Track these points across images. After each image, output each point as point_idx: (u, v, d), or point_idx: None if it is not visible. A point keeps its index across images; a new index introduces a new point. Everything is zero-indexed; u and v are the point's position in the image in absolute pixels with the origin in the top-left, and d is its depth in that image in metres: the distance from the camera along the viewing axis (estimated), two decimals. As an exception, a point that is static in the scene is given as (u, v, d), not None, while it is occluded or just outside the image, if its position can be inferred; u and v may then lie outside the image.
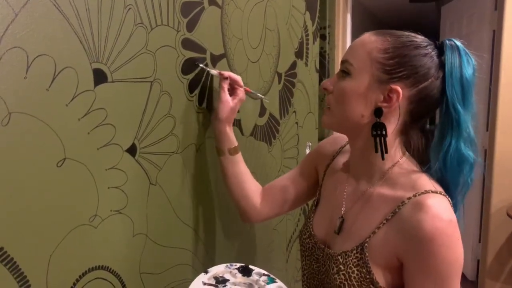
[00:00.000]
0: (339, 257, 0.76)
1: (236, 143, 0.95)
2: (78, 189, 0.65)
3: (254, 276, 0.83)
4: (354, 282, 0.74)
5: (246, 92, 0.96)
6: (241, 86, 0.94)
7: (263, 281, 0.82)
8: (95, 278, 0.69)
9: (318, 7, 1.57)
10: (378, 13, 4.59)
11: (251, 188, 0.98)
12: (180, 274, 0.90)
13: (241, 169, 0.97)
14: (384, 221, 0.73)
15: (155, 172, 0.81)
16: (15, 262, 0.56)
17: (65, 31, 0.61)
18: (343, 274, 0.75)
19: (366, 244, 0.74)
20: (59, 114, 0.61)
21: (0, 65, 0.52)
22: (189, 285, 0.92)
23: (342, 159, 0.90)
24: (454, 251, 0.68)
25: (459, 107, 0.72)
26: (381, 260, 0.73)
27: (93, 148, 0.67)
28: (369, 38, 0.76)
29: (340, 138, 0.97)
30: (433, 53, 0.74)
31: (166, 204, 0.85)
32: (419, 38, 0.75)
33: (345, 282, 0.75)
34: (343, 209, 0.82)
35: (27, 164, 0.57)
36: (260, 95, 1.04)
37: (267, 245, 1.28)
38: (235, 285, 0.79)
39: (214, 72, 0.93)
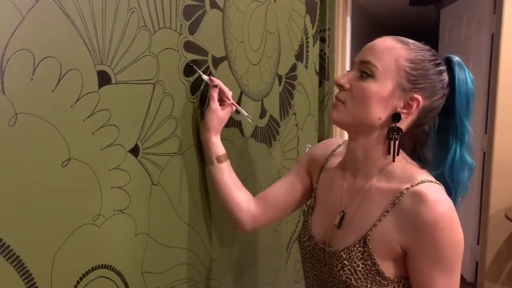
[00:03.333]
0: (342, 253, 0.78)
1: (223, 151, 0.94)
2: (82, 188, 0.66)
3: None
4: (360, 276, 0.75)
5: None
6: (228, 99, 0.94)
7: None
8: (99, 277, 0.70)
9: (318, 10, 1.58)
10: (378, 15, 4.61)
11: (243, 196, 0.96)
12: (182, 273, 0.91)
13: (231, 177, 0.95)
14: (385, 213, 0.76)
15: (157, 173, 0.82)
16: (20, 260, 0.57)
17: (71, 33, 0.62)
18: (348, 269, 0.77)
19: (368, 237, 0.76)
20: (64, 115, 0.62)
21: (7, 67, 0.53)
22: (190, 284, 0.93)
23: (335, 161, 0.93)
24: (456, 232, 0.72)
25: (464, 119, 0.79)
26: (384, 251, 0.75)
27: (97, 148, 0.68)
28: (395, 44, 0.77)
29: (330, 143, 1.00)
30: (445, 71, 0.79)
31: (167, 204, 0.86)
32: (434, 54, 0.80)
33: (351, 277, 0.76)
34: (343, 204, 0.84)
35: (33, 164, 0.58)
36: (245, 113, 1.01)
37: (267, 246, 1.29)
38: None
39: (205, 77, 0.92)
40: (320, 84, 1.72)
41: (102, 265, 0.71)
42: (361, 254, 0.76)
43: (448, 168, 0.80)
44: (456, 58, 0.81)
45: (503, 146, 2.53)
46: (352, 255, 0.77)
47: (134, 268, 0.78)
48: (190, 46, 0.89)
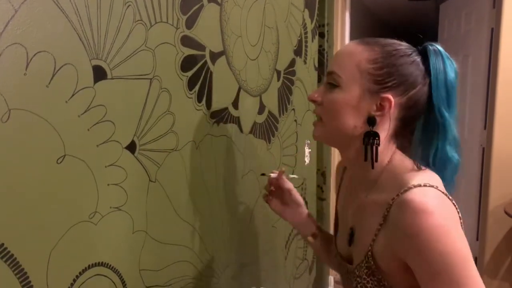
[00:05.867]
0: (356, 270, 0.77)
1: (313, 229, 1.00)
2: (78, 186, 0.65)
3: None
4: None
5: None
6: (280, 178, 0.98)
7: None
8: (95, 275, 0.69)
9: (317, 5, 1.57)
10: (377, 11, 4.59)
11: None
12: (180, 271, 0.91)
13: (326, 246, 1.00)
14: (379, 227, 0.72)
15: (154, 169, 0.81)
16: (15, 259, 0.56)
17: (65, 28, 0.61)
18: (360, 286, 0.76)
19: (370, 253, 0.73)
20: (59, 110, 0.61)
21: None
22: (188, 282, 0.93)
23: (348, 175, 0.91)
24: (446, 242, 0.64)
25: (444, 111, 0.73)
26: (388, 265, 0.72)
27: (92, 145, 0.67)
28: (356, 48, 0.75)
29: None
30: (418, 60, 0.74)
31: (165, 201, 0.85)
32: (404, 46, 0.75)
33: None
34: (351, 221, 0.82)
35: (27, 161, 0.57)
36: (293, 176, 1.08)
37: (266, 242, 1.28)
38: None
39: (273, 175, 0.99)
40: (319, 79, 1.71)
41: (99, 263, 0.70)
42: (368, 270, 0.74)
43: (431, 165, 0.75)
44: (433, 46, 0.75)
45: (502, 141, 2.53)
46: (362, 272, 0.75)
47: (131, 265, 0.77)
48: (187, 41, 0.87)
